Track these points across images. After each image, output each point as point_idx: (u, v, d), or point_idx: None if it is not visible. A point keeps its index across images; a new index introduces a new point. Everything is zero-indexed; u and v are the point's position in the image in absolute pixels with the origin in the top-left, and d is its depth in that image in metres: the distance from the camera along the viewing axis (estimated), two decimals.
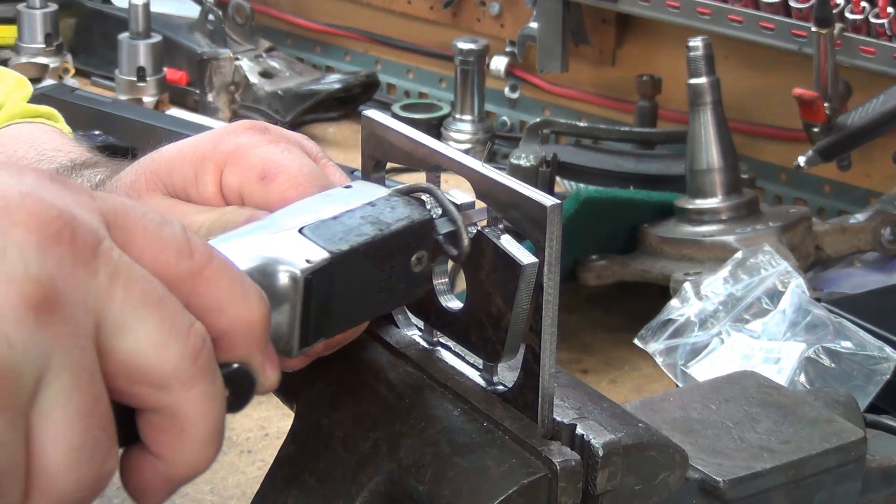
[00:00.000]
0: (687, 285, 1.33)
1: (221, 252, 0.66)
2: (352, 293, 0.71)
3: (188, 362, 0.61)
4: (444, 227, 0.74)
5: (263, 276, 0.68)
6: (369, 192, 0.74)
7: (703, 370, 1.26)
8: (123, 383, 0.61)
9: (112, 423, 0.61)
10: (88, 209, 0.61)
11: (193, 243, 0.63)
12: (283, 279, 0.68)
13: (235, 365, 0.65)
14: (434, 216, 0.74)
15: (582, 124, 1.84)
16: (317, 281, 0.68)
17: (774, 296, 1.30)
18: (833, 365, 1.21)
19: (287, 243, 0.69)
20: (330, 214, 0.72)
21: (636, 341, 1.31)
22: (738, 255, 1.35)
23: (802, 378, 1.21)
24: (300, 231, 0.70)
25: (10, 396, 0.57)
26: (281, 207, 0.74)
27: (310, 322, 0.69)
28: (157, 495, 0.65)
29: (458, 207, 0.75)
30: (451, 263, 0.79)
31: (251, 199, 0.78)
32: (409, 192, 0.75)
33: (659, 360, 1.29)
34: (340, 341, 0.79)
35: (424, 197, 0.75)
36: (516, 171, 1.61)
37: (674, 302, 1.32)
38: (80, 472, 0.59)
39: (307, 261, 0.68)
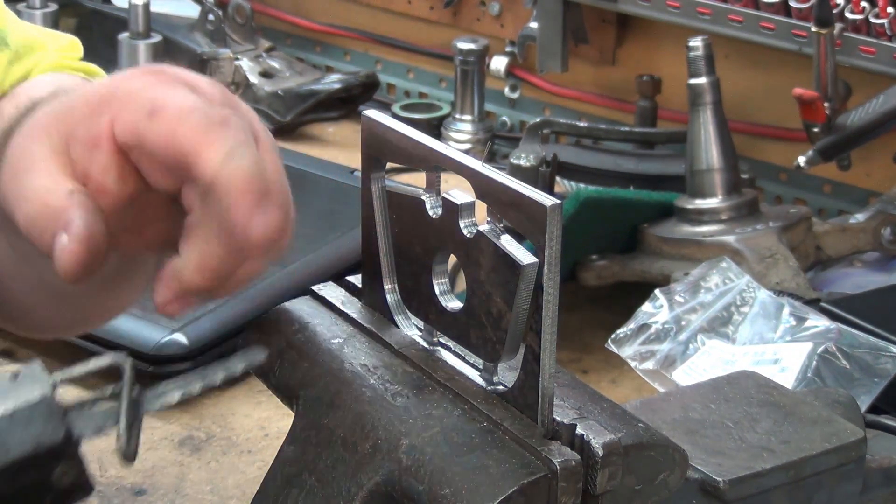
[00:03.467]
0: (658, 291, 1.34)
1: None
2: None
3: None
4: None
5: None
6: (27, 390, 0.66)
7: (682, 376, 1.26)
8: None
9: None
10: None
11: None
12: None
13: None
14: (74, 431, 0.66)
15: (582, 124, 1.84)
16: None
17: (743, 303, 1.31)
18: (838, 364, 1.21)
19: None
20: None
21: (609, 345, 1.31)
22: (696, 271, 1.36)
23: (807, 377, 1.21)
24: None
25: None
26: (169, 142, 0.74)
27: None
28: None
29: (460, 207, 0.75)
30: (451, 263, 0.79)
31: (144, 136, 0.77)
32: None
33: (632, 364, 1.29)
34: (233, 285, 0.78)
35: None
36: (516, 171, 1.61)
37: (646, 307, 1.33)
38: None
39: None
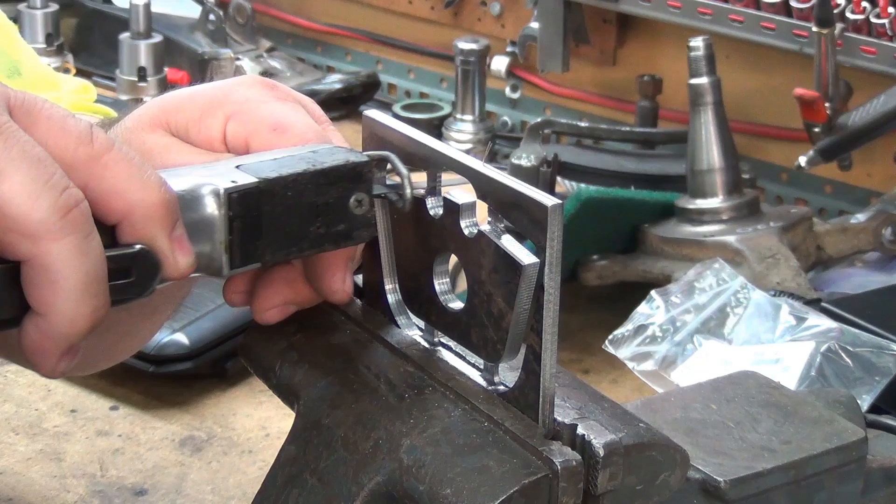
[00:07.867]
0: (654, 293, 1.34)
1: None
2: (283, 221, 0.74)
3: (58, 214, 0.65)
4: (392, 183, 0.79)
5: (193, 197, 0.72)
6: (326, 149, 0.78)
7: (680, 377, 1.26)
8: None
9: None
10: None
11: (95, 133, 0.68)
12: (207, 195, 0.72)
13: (138, 246, 0.69)
14: (370, 160, 0.77)
15: (583, 124, 1.84)
16: (241, 200, 0.72)
17: (738, 304, 1.31)
18: (841, 362, 1.21)
19: (221, 172, 0.73)
20: (273, 157, 0.76)
21: (606, 346, 1.31)
22: (690, 273, 1.36)
23: (811, 376, 1.21)
24: (237, 166, 0.74)
25: None
26: None
27: (238, 242, 0.73)
28: (47, 356, 0.68)
29: (460, 207, 0.76)
30: (451, 263, 0.79)
31: (259, 148, 0.80)
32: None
33: (630, 365, 1.29)
34: (303, 302, 0.82)
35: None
36: (517, 172, 1.61)
37: (642, 308, 1.33)
38: None
39: (232, 181, 0.72)
